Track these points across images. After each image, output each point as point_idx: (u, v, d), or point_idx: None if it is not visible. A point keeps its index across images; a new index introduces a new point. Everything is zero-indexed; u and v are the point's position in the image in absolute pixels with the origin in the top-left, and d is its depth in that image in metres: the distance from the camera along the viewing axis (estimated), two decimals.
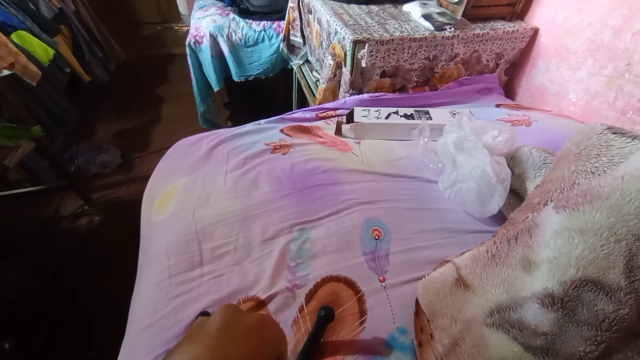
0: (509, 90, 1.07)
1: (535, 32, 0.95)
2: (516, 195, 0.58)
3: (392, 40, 0.83)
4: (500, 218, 0.59)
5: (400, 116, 0.80)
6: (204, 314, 0.44)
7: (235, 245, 0.56)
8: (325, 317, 0.39)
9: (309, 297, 0.49)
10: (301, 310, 0.48)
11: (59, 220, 1.39)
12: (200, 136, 0.84)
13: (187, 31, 1.56)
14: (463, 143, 0.60)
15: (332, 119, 0.90)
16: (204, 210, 0.61)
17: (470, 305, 0.40)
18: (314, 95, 1.16)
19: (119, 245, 1.28)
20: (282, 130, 0.84)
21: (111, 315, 1.01)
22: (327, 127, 0.87)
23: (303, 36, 1.39)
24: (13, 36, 1.31)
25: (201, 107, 1.68)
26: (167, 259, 0.54)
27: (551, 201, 0.44)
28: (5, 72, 1.08)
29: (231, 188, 0.66)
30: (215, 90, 1.63)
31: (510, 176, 0.54)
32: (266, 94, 1.85)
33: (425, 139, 0.70)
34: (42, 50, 1.44)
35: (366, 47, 0.83)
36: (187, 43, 1.53)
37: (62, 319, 1.05)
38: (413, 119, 0.79)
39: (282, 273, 0.52)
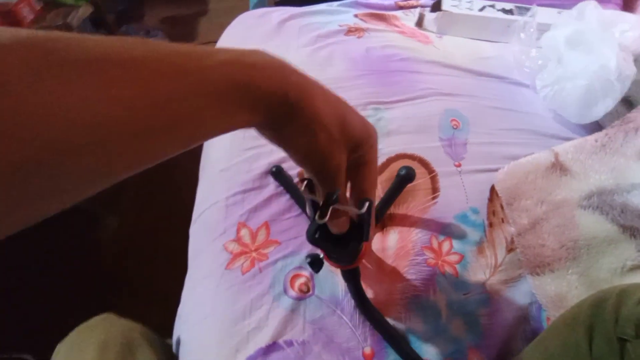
0: (628, 2, 0.89)
1: None
2: (625, 103, 0.52)
3: None
4: (592, 129, 0.53)
5: (498, 10, 0.69)
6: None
7: None
8: (406, 177, 0.39)
9: (382, 169, 0.49)
10: None
11: None
12: (268, 10, 0.78)
13: None
14: (580, 37, 0.52)
15: (413, 9, 0.79)
16: None
17: (564, 188, 0.38)
18: None
19: None
20: (356, 15, 0.76)
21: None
22: (406, 19, 0.78)
23: None
24: None
25: None
26: None
27: None
28: None
29: (304, 62, 0.63)
30: None
31: (633, 75, 0.47)
32: None
33: (526, 36, 0.61)
34: None
35: None
36: None
37: None
38: (512, 14, 0.69)
39: None
